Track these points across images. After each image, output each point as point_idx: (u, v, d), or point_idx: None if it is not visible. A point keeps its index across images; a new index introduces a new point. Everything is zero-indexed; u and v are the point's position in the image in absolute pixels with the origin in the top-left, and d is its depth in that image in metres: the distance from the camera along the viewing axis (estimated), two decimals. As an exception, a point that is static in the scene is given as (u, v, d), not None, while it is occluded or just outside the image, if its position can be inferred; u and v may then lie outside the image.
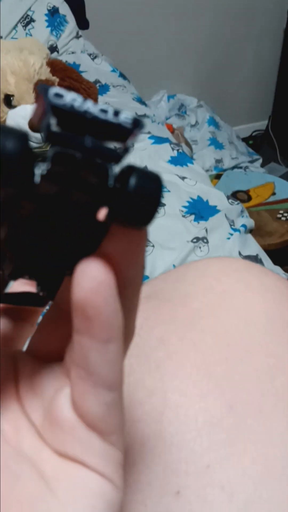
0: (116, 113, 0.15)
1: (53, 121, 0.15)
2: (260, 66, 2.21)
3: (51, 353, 0.21)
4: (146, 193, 0.16)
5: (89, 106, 0.15)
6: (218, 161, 1.82)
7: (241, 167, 1.85)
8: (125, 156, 0.16)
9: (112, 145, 0.16)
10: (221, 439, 0.28)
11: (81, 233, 0.18)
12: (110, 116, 0.15)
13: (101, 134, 0.15)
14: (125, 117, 0.16)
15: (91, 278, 0.16)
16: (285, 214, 1.50)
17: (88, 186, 0.16)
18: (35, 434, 0.19)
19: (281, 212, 1.50)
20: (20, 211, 0.17)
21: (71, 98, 0.15)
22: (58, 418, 0.18)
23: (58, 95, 0.15)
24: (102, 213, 0.17)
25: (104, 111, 0.15)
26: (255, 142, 2.24)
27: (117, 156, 0.16)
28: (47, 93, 0.15)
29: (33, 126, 0.15)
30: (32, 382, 0.20)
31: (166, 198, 1.10)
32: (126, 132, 0.16)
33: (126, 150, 0.16)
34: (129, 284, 0.18)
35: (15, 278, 0.20)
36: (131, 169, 0.16)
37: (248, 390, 0.30)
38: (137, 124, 0.16)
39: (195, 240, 1.02)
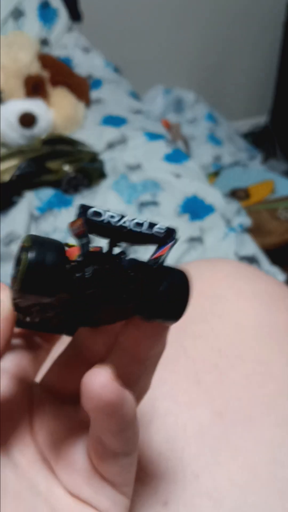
0: (151, 225, 0.18)
1: (90, 242, 0.17)
2: (260, 61, 2.19)
3: (67, 392, 0.21)
4: (175, 296, 0.18)
5: (125, 221, 0.17)
6: (217, 158, 1.78)
7: (240, 164, 1.81)
8: (156, 267, 0.18)
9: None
10: (210, 447, 0.28)
11: (110, 312, 0.19)
12: (144, 229, 0.18)
13: (135, 242, 0.18)
14: (159, 227, 0.18)
15: (98, 396, 0.17)
16: (284, 213, 1.46)
17: (123, 291, 0.18)
18: (49, 470, 0.20)
19: (280, 210, 1.47)
20: (57, 298, 0.18)
21: (108, 215, 0.17)
22: (74, 465, 0.20)
23: (96, 214, 0.17)
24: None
25: (139, 224, 0.18)
26: (254, 138, 2.21)
27: (150, 269, 0.18)
28: (86, 213, 0.17)
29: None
30: (46, 419, 0.21)
31: (161, 197, 1.07)
32: (159, 240, 0.18)
33: (157, 262, 0.18)
34: (150, 359, 0.20)
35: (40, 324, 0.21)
36: (163, 271, 0.18)
37: (237, 397, 0.30)
38: (170, 233, 0.18)
39: (189, 240, 0.99)
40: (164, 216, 1.03)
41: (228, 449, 0.28)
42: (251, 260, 0.99)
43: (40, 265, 0.16)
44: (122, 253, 0.18)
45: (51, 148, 1.10)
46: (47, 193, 1.07)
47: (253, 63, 2.19)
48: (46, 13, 1.44)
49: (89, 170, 1.11)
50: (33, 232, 1.02)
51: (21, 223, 1.01)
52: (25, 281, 0.16)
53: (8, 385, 0.21)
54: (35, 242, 0.16)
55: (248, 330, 0.33)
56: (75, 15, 1.57)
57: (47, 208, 1.05)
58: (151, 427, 0.29)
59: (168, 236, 0.18)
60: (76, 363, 0.21)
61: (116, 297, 0.18)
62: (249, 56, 2.16)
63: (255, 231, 1.25)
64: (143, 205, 1.05)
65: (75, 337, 0.21)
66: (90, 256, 0.17)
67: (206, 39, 2.04)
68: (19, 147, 1.11)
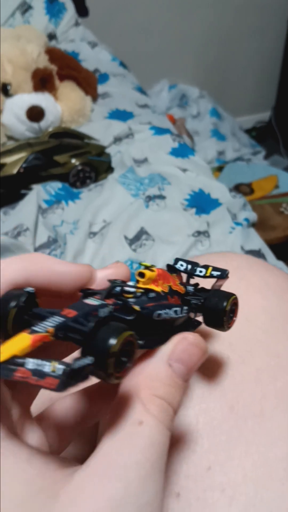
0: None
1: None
2: (263, 56, 2.18)
3: None
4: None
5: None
6: (220, 153, 1.79)
7: (243, 159, 1.82)
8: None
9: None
10: (222, 441, 0.28)
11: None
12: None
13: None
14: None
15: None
16: (289, 208, 1.47)
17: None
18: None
19: (284, 205, 1.48)
20: None
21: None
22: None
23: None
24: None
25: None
26: (258, 134, 2.21)
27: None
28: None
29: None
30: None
31: (167, 191, 1.07)
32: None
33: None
34: None
35: None
36: None
37: (249, 391, 0.29)
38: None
39: (196, 234, 0.99)
40: (170, 210, 1.04)
41: (241, 443, 0.28)
42: (257, 254, 0.99)
43: None
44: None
45: (58, 141, 1.11)
46: (55, 186, 1.08)
47: (257, 59, 2.18)
48: (53, 7, 1.44)
49: (96, 164, 1.11)
50: (40, 224, 1.03)
51: (29, 216, 1.02)
52: None
53: None
54: None
55: (258, 323, 0.33)
56: (82, 11, 1.57)
57: (54, 201, 1.06)
58: None
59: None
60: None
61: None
62: (253, 53, 2.16)
63: (259, 226, 1.25)
64: (150, 198, 1.05)
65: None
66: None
67: (211, 35, 2.03)
68: (27, 140, 1.11)
